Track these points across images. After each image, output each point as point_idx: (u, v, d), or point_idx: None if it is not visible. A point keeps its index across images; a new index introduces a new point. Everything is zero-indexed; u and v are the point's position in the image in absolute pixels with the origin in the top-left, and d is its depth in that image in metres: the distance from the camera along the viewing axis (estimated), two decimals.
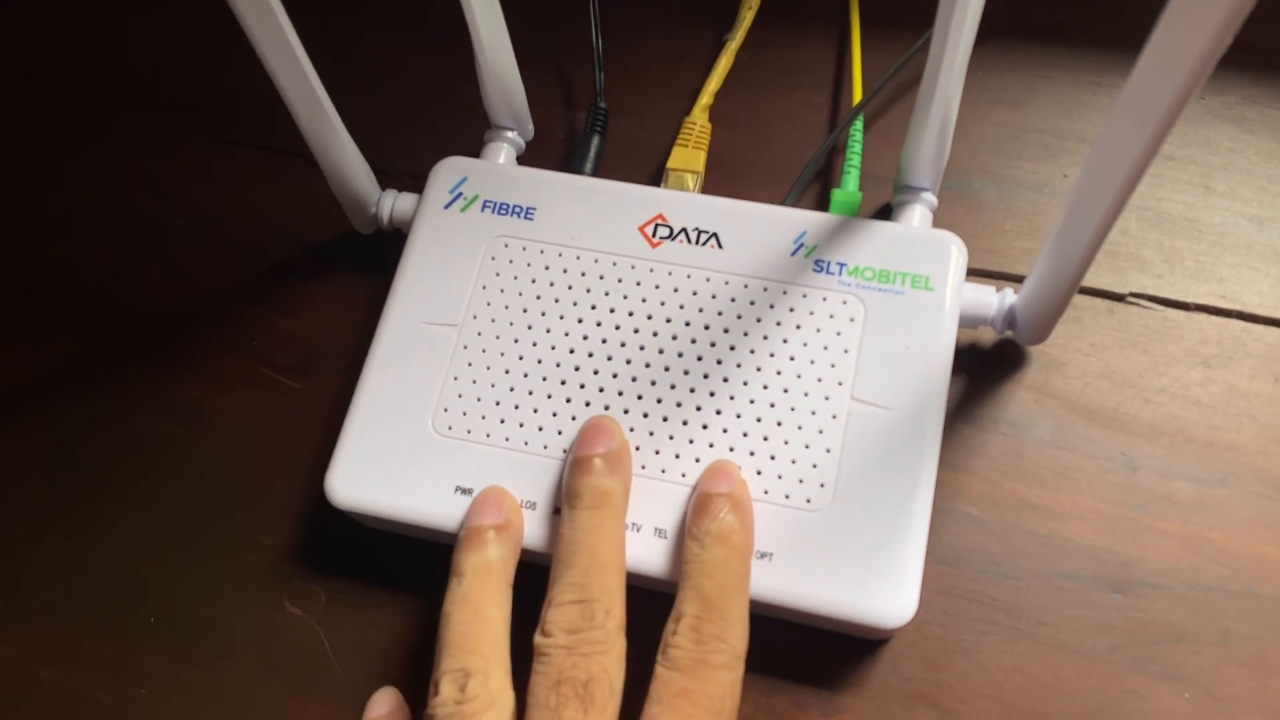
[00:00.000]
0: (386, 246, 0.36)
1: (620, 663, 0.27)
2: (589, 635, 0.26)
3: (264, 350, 0.36)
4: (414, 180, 0.38)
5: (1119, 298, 0.34)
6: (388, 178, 0.38)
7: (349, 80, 0.40)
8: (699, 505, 0.29)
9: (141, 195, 0.40)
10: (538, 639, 0.27)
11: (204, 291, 0.38)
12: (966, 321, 0.32)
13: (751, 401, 0.31)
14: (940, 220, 0.34)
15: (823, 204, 0.36)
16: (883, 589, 0.28)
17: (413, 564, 0.32)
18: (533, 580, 0.29)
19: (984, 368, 0.34)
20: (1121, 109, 0.22)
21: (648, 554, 0.29)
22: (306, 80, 0.30)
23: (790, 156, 0.37)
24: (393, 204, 0.35)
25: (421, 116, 0.40)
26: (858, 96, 0.36)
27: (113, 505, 0.34)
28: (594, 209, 0.34)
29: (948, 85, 0.29)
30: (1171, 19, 0.19)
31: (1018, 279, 0.35)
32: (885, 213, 0.36)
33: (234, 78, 0.42)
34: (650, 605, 0.28)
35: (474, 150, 0.36)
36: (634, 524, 0.30)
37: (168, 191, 0.40)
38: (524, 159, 0.37)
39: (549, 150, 0.38)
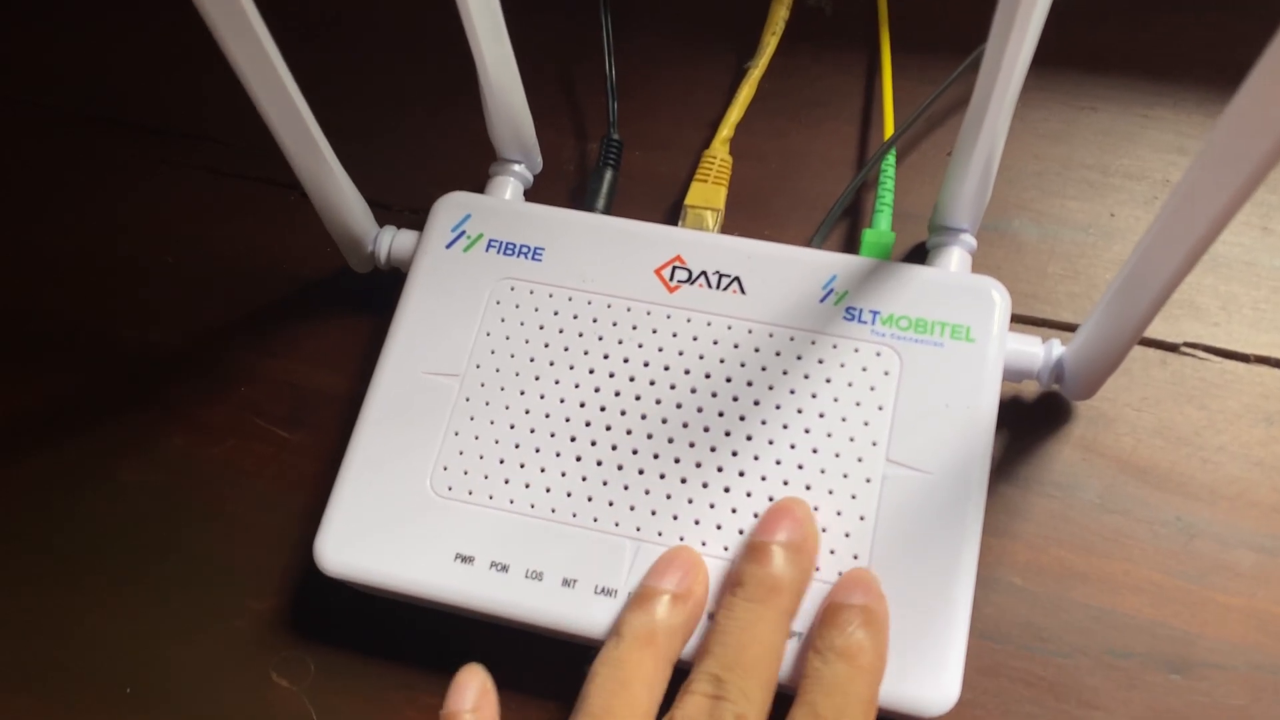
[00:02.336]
0: (385, 286, 0.34)
1: None
2: None
3: (254, 397, 0.34)
4: (414, 215, 0.36)
5: (1172, 348, 0.32)
6: (387, 213, 0.36)
7: (344, 108, 0.38)
8: (827, 616, 0.26)
9: (126, 228, 0.38)
10: None
11: (191, 332, 0.35)
12: (1010, 375, 0.29)
13: (777, 463, 0.28)
14: (977, 263, 0.32)
15: (851, 244, 0.34)
16: (923, 674, 0.26)
17: (411, 632, 0.30)
18: (547, 653, 0.26)
19: (1026, 423, 0.31)
20: (1213, 152, 0.20)
21: None
22: (293, 108, 0.27)
23: (817, 193, 0.35)
24: (391, 242, 0.33)
25: (422, 147, 0.38)
26: (889, 129, 0.34)
27: (88, 563, 0.32)
28: (607, 249, 0.31)
29: (996, 120, 0.26)
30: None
31: (1062, 326, 0.32)
32: (918, 254, 0.33)
33: (225, 104, 0.39)
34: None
35: (479, 184, 0.34)
36: None
37: (154, 225, 0.38)
38: (532, 194, 0.35)
39: (558, 185, 0.36)
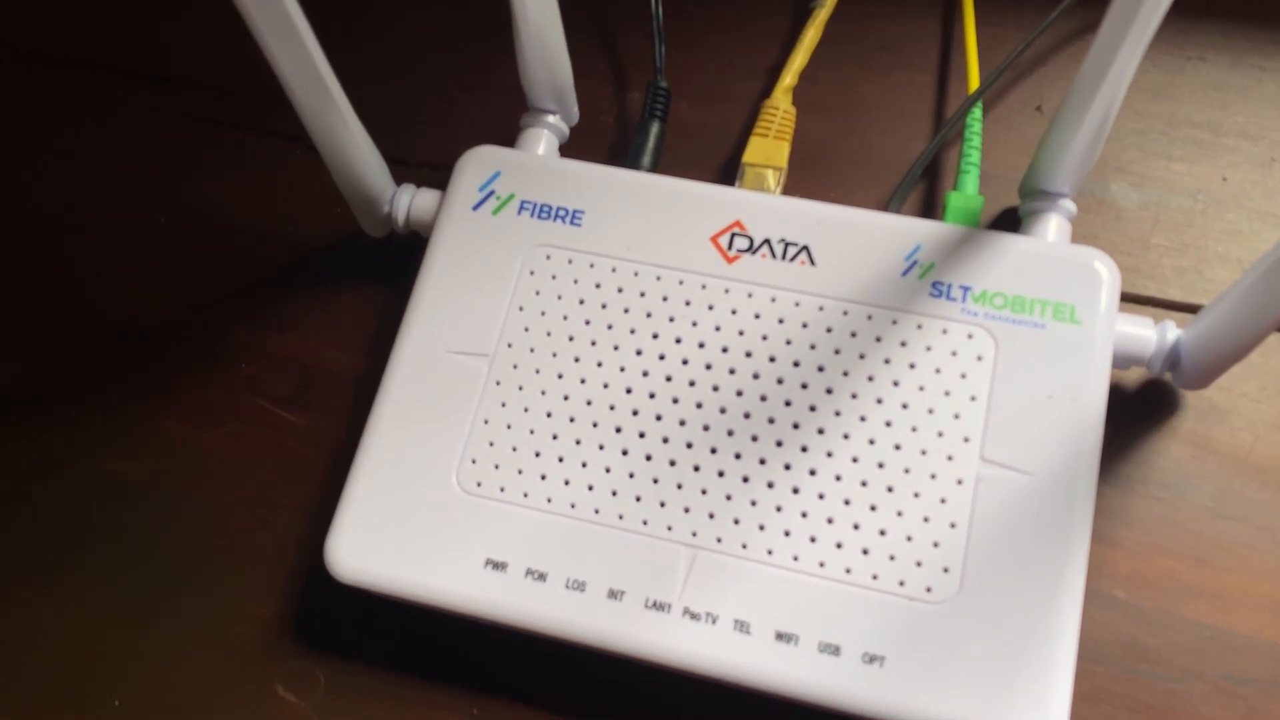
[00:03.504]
0: (403, 252, 0.30)
1: None
2: None
3: (256, 376, 0.31)
4: (436, 172, 0.32)
5: None
6: (405, 169, 0.32)
7: (359, 51, 0.34)
8: None
9: (113, 185, 0.34)
10: None
11: (185, 302, 0.32)
12: (1118, 361, 0.26)
13: (854, 460, 0.25)
14: (1073, 233, 0.28)
15: (929, 209, 0.30)
16: (1024, 704, 0.23)
17: (432, 643, 0.27)
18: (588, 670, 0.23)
19: (1129, 415, 0.28)
20: None
21: (725, 653, 0.23)
22: (304, 50, 0.24)
23: (890, 150, 0.31)
24: (410, 202, 0.29)
25: (446, 95, 0.34)
26: (973, 80, 0.30)
27: (72, 561, 0.29)
28: (656, 213, 0.28)
29: (1124, 68, 0.22)
30: None
31: (1168, 305, 0.29)
32: (1005, 221, 0.30)
33: (223, 46, 0.36)
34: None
35: (506, 140, 0.30)
36: (707, 614, 0.24)
37: (144, 181, 0.34)
38: (568, 148, 0.31)
39: (596, 140, 0.32)
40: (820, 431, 0.25)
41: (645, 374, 0.26)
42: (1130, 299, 0.29)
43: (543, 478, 0.25)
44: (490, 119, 0.32)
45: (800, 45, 0.31)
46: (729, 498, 0.25)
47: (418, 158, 0.32)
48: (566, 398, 0.26)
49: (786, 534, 0.24)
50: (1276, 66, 0.31)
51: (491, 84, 0.33)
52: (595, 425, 0.26)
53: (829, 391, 0.25)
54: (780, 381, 0.26)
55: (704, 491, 0.25)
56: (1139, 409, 0.28)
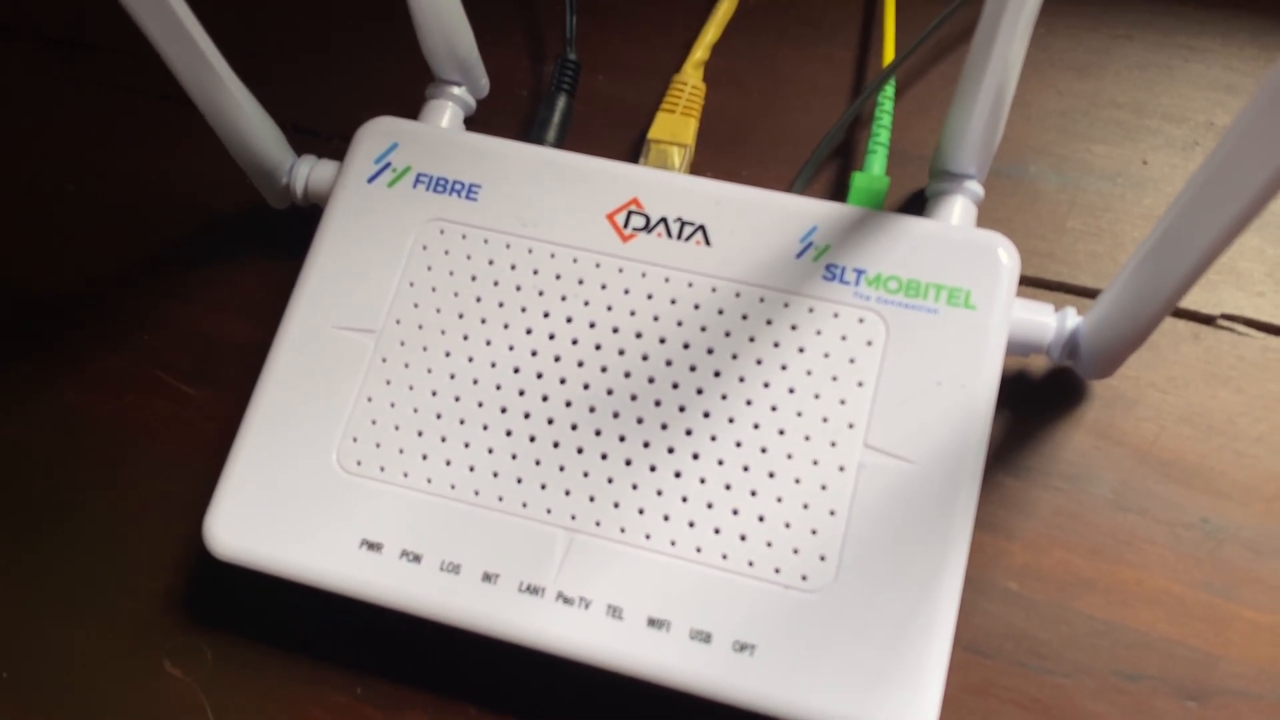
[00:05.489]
0: (305, 224, 0.29)
1: None
2: None
3: (156, 348, 0.30)
4: (345, 144, 0.31)
5: (1207, 320, 0.27)
6: (314, 140, 0.31)
7: (270, 20, 0.33)
8: None
9: (21, 150, 0.33)
10: None
11: (88, 271, 0.31)
12: (1016, 348, 0.25)
13: (738, 444, 0.24)
14: (986, 214, 0.27)
15: (839, 190, 0.29)
16: (895, 696, 0.22)
17: (317, 620, 0.26)
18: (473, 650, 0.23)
19: (1032, 403, 0.27)
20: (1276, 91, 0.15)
21: (595, 638, 0.23)
22: (174, 18, 0.23)
23: (803, 128, 0.30)
24: (309, 174, 0.29)
25: (357, 66, 0.33)
26: (889, 55, 0.29)
27: None
28: (553, 189, 0.27)
29: (1009, 42, 0.22)
30: None
31: (1080, 291, 0.28)
32: (917, 203, 0.29)
33: None
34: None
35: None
36: (580, 598, 0.23)
37: (53, 147, 0.33)
38: (478, 122, 0.30)
39: (510, 112, 0.32)
40: (705, 415, 0.25)
41: (534, 353, 0.26)
42: (1041, 284, 0.28)
43: (424, 458, 0.25)
44: (408, 91, 0.31)
45: (713, 19, 0.31)
46: (610, 481, 0.24)
47: (327, 129, 0.32)
48: (453, 376, 0.26)
49: (665, 518, 0.24)
50: (1204, 46, 0.30)
51: (409, 55, 0.33)
52: (480, 405, 0.25)
53: (717, 374, 0.25)
54: (669, 364, 0.25)
55: (585, 474, 0.24)
56: (1044, 398, 0.27)
